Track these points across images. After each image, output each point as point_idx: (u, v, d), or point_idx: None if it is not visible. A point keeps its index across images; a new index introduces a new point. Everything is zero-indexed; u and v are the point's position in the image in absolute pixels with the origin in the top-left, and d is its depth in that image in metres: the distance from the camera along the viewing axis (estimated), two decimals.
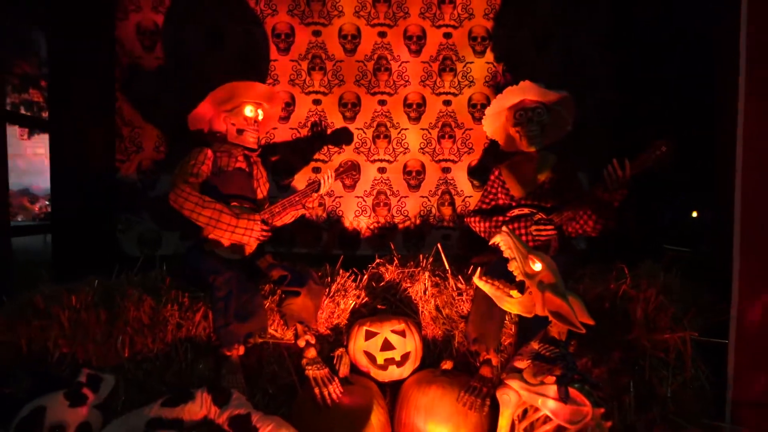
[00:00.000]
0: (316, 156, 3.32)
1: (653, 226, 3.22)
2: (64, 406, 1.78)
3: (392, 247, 2.90)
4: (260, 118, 2.66)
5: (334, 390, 2.08)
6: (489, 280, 1.96)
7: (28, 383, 1.87)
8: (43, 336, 2.04)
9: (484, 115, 2.73)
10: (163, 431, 1.70)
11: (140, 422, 1.74)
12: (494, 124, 2.77)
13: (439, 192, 3.35)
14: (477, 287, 2.29)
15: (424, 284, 2.46)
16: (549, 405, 1.74)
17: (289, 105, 3.30)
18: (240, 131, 2.59)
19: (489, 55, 3.31)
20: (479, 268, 1.98)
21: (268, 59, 3.29)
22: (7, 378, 1.86)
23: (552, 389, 1.75)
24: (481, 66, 3.32)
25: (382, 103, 3.34)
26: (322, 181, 2.67)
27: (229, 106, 2.58)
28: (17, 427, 1.72)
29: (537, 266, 1.85)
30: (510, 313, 2.25)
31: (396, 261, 2.64)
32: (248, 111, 2.59)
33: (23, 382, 1.86)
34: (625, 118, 3.15)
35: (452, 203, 3.34)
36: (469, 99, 3.33)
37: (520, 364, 1.86)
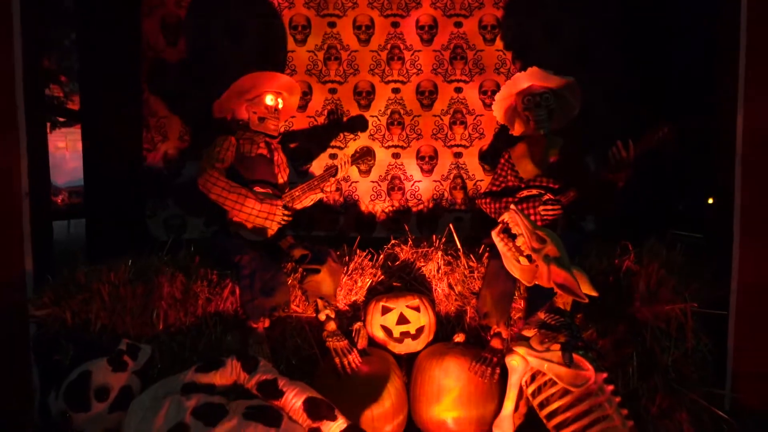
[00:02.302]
0: (333, 143, 3.44)
1: (661, 210, 3.29)
2: (108, 371, 1.93)
3: (406, 229, 3.01)
4: (280, 106, 2.80)
5: (353, 360, 2.22)
6: (505, 239, 2.02)
7: (73, 351, 2.04)
8: (85, 309, 2.20)
9: (494, 100, 2.84)
10: (197, 394, 1.84)
11: (176, 386, 1.86)
12: (503, 108, 2.87)
13: (452, 176, 3.45)
14: (488, 264, 2.42)
15: (437, 263, 2.57)
16: (554, 369, 1.87)
17: (306, 94, 3.41)
18: (261, 119, 2.73)
19: (499, 43, 3.40)
20: (500, 225, 2.04)
21: (285, 50, 3.41)
22: (55, 346, 2.04)
23: (557, 355, 1.87)
24: (491, 54, 3.41)
25: (395, 91, 3.44)
26: (338, 167, 2.80)
27: (251, 95, 2.72)
28: (67, 389, 1.88)
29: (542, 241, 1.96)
30: (519, 289, 2.37)
31: (410, 242, 2.73)
32: (269, 100, 2.72)
33: (69, 350, 2.04)
34: (632, 103, 3.21)
35: (464, 187, 3.44)
36: (480, 86, 3.42)
37: (528, 332, 1.98)
